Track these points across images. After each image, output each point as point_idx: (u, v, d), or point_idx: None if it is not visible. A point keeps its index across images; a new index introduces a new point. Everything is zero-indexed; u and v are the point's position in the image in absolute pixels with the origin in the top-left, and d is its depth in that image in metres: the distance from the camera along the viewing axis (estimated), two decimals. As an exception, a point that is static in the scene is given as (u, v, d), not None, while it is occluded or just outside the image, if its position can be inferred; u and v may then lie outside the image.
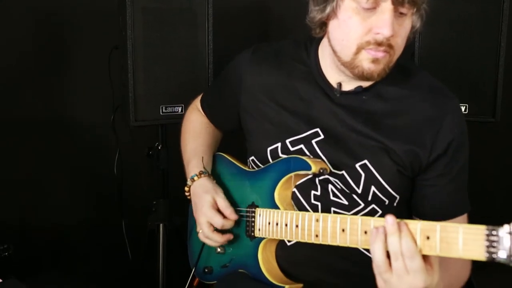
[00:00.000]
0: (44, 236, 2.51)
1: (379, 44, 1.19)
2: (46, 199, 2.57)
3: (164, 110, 2.10)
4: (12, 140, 2.45)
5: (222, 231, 1.41)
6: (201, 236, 1.44)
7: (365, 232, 1.13)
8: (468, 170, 1.35)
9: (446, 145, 1.27)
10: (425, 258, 1.04)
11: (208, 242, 1.44)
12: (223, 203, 1.41)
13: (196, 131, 1.64)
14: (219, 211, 1.41)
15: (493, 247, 0.94)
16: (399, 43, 1.23)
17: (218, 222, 1.39)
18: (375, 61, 1.21)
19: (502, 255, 0.94)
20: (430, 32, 2.05)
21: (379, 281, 1.08)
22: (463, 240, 0.98)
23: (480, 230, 0.96)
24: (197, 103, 1.71)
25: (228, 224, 1.40)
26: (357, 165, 1.30)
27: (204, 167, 1.50)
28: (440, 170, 1.29)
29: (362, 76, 1.25)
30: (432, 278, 1.04)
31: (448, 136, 1.27)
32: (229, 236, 1.42)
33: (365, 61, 1.22)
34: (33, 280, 1.95)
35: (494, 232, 0.94)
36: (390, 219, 1.05)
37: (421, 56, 2.07)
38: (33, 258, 2.34)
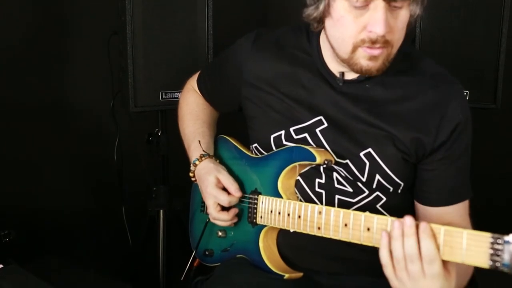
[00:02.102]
0: (44, 222, 2.52)
1: (373, 42, 1.17)
2: (46, 185, 2.57)
3: (163, 96, 2.10)
4: (11, 126, 2.44)
5: (228, 208, 1.42)
6: (211, 219, 1.45)
7: (368, 229, 1.12)
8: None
9: (450, 131, 1.26)
10: (443, 262, 1.02)
11: (217, 223, 1.45)
12: (227, 180, 1.41)
13: (193, 113, 1.63)
14: (224, 189, 1.41)
15: (497, 255, 0.94)
16: (397, 37, 1.21)
17: (224, 199, 1.39)
18: (372, 58, 1.20)
19: (506, 264, 0.93)
20: (431, 18, 2.04)
21: (393, 281, 1.07)
22: (467, 246, 0.98)
23: (485, 237, 0.96)
24: (192, 82, 1.70)
25: (234, 200, 1.40)
26: (361, 154, 1.30)
27: (203, 150, 1.50)
28: (441, 155, 1.29)
29: (361, 72, 1.24)
30: (450, 284, 1.03)
31: (452, 122, 1.26)
32: (235, 210, 1.42)
33: (362, 59, 1.21)
34: (34, 265, 1.95)
35: (499, 241, 0.94)
36: (408, 220, 1.03)
37: (422, 42, 2.06)
38: (33, 243, 2.34)
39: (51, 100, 2.54)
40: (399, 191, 1.34)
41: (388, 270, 1.07)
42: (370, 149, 1.29)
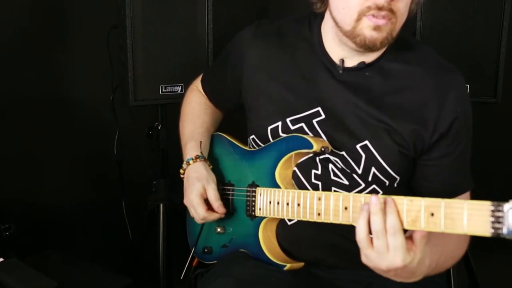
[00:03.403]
0: (44, 215, 2.52)
1: (380, 8, 1.17)
2: (46, 179, 2.57)
3: (163, 90, 2.10)
4: (12, 120, 2.45)
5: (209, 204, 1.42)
6: (193, 214, 1.45)
7: None
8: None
9: (449, 124, 1.26)
10: (409, 237, 1.06)
11: (195, 217, 1.45)
12: (213, 195, 1.41)
13: (194, 113, 1.63)
14: (206, 200, 1.41)
15: (499, 222, 0.94)
16: (401, 9, 1.21)
17: (200, 214, 1.40)
18: (376, 28, 1.20)
19: (507, 230, 0.93)
20: (432, 11, 2.04)
21: (362, 256, 1.10)
22: (468, 216, 0.98)
23: (485, 206, 0.96)
24: (197, 83, 1.70)
25: (211, 218, 1.41)
26: (357, 146, 1.29)
27: (201, 152, 1.50)
28: (443, 151, 1.28)
29: (364, 45, 1.22)
30: (413, 258, 1.06)
31: (451, 114, 1.26)
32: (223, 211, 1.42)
33: (367, 29, 1.20)
34: (34, 259, 1.96)
35: (499, 208, 0.94)
36: (374, 198, 1.06)
37: (422, 35, 2.06)
38: (33, 237, 2.34)
39: (51, 94, 2.54)
40: (395, 185, 1.33)
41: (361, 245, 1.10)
42: (366, 142, 1.29)
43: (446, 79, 1.29)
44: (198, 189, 1.41)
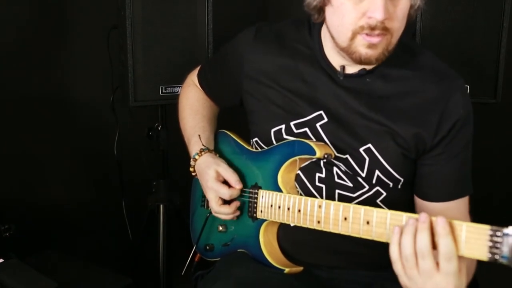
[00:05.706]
0: (44, 216, 2.52)
1: (373, 28, 1.17)
2: (47, 179, 2.57)
3: (163, 91, 2.10)
4: (12, 120, 2.44)
5: (230, 201, 1.41)
6: (213, 213, 1.45)
7: (367, 223, 1.12)
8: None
9: (451, 126, 1.26)
10: None
11: (219, 216, 1.45)
12: (226, 173, 1.41)
13: (193, 108, 1.63)
14: (224, 182, 1.41)
15: (496, 248, 0.93)
16: (396, 25, 1.21)
17: (225, 192, 1.39)
18: (371, 46, 1.20)
19: (505, 256, 0.93)
20: (432, 12, 2.03)
21: (402, 278, 1.04)
22: (466, 238, 0.98)
23: (484, 230, 0.95)
24: (193, 77, 1.70)
25: (236, 193, 1.40)
26: (361, 149, 1.30)
27: (203, 144, 1.50)
28: (441, 150, 1.29)
29: (360, 62, 1.24)
30: (461, 282, 1.01)
31: (452, 117, 1.26)
32: (237, 203, 1.41)
33: (361, 47, 1.21)
34: (34, 259, 1.96)
35: (498, 233, 0.94)
36: (423, 216, 1.01)
37: (422, 36, 2.05)
38: (34, 238, 2.34)
39: (51, 95, 2.54)
40: (399, 186, 1.34)
41: (397, 267, 1.04)
42: (369, 145, 1.29)
43: (447, 83, 1.29)
44: (212, 175, 1.41)
